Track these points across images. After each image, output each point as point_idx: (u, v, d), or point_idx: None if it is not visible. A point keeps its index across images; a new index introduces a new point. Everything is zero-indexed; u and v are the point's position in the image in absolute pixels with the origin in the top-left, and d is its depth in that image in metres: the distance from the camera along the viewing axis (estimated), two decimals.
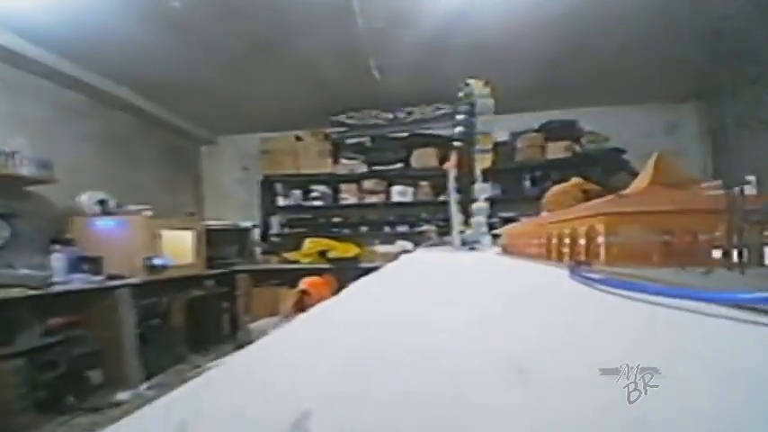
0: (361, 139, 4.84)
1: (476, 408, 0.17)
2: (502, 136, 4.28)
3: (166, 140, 4.83)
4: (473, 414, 0.17)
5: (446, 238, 2.52)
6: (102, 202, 3.41)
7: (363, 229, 4.81)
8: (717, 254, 0.59)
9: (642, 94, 4.36)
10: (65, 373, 2.69)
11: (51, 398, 2.61)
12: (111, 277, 3.05)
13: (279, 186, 5.02)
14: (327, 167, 4.81)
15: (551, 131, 4.44)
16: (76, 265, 2.99)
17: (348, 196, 4.86)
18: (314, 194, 4.92)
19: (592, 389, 0.19)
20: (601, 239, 0.64)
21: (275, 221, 5.03)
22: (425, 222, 4.53)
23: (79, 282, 2.86)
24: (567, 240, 0.83)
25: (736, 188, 0.46)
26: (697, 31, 3.08)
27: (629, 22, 2.99)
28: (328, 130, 4.84)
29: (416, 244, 3.22)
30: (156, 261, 3.33)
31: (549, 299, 0.48)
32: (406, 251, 2.99)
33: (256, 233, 4.98)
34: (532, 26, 3.02)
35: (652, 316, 0.34)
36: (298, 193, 4.96)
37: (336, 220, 4.89)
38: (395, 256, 2.14)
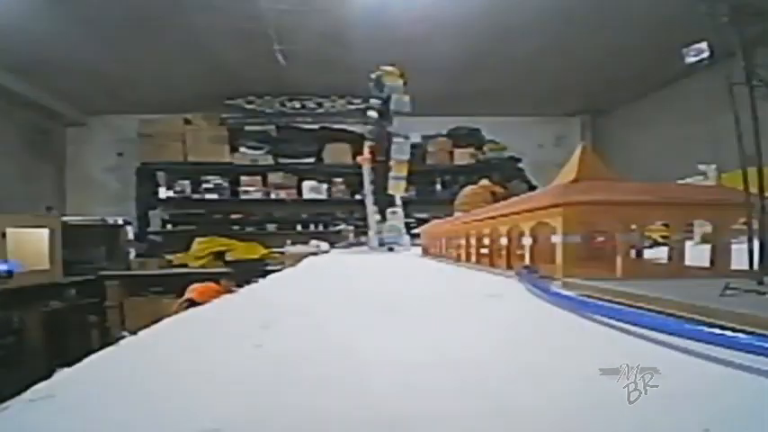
0: (266, 128, 4.46)
1: None
2: (414, 137, 4.27)
3: (24, 120, 4.03)
4: None
5: (363, 239, 2.41)
6: None
7: (270, 227, 4.41)
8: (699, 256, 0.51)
9: (538, 107, 4.73)
10: None
11: None
12: None
13: (161, 176, 4.36)
14: (224, 156, 4.30)
15: (458, 138, 4.62)
16: None
17: (251, 190, 4.40)
18: (207, 186, 4.36)
19: None
20: (557, 239, 0.51)
21: (155, 217, 4.37)
22: (341, 222, 4.30)
23: None
24: (503, 241, 0.71)
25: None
26: (593, 53, 3.42)
27: (536, 32, 3.15)
28: (224, 115, 4.37)
29: (332, 244, 3.02)
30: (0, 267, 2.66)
31: (531, 339, 0.33)
32: (323, 251, 2.75)
33: (130, 231, 4.25)
34: (448, 26, 3.05)
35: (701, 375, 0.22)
36: (186, 183, 4.33)
37: (236, 216, 4.41)
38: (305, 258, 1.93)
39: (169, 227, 4.35)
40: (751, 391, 0.20)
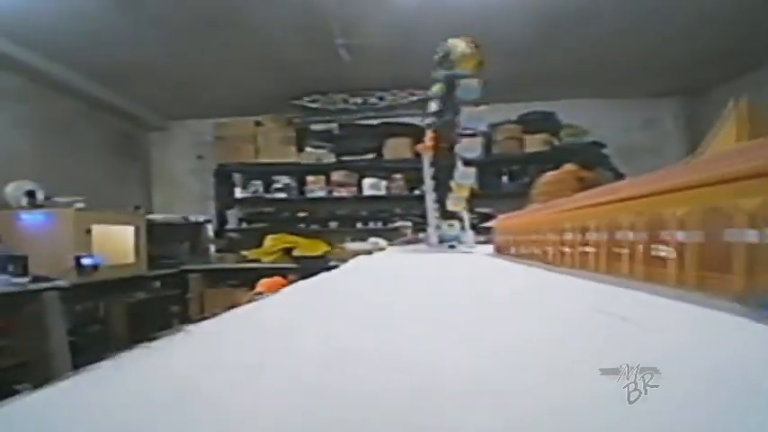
0: (329, 126, 4.51)
1: None
2: (481, 126, 4.06)
3: (112, 127, 4.43)
4: None
5: (422, 235, 2.30)
6: (30, 194, 2.99)
7: (333, 224, 4.47)
8: None
9: (621, 88, 4.24)
10: None
11: None
12: (38, 279, 2.70)
13: (237, 177, 4.60)
14: (291, 156, 4.43)
15: (530, 123, 4.23)
16: (0, 265, 2.63)
17: (315, 189, 4.49)
18: (277, 186, 4.53)
19: None
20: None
21: (232, 215, 4.62)
22: (399, 218, 4.24)
23: (1, 285, 2.52)
24: (630, 236, 0.54)
25: None
26: (680, 28, 2.98)
27: (611, 14, 2.85)
28: (290, 116, 4.48)
29: (390, 241, 2.98)
30: (86, 261, 2.93)
31: None
32: (379, 249, 2.71)
33: (210, 229, 4.54)
34: (512, 10, 2.85)
35: None
36: (258, 183, 4.54)
37: (302, 214, 4.54)
38: (367, 254, 1.86)
39: (244, 225, 4.59)
40: None
